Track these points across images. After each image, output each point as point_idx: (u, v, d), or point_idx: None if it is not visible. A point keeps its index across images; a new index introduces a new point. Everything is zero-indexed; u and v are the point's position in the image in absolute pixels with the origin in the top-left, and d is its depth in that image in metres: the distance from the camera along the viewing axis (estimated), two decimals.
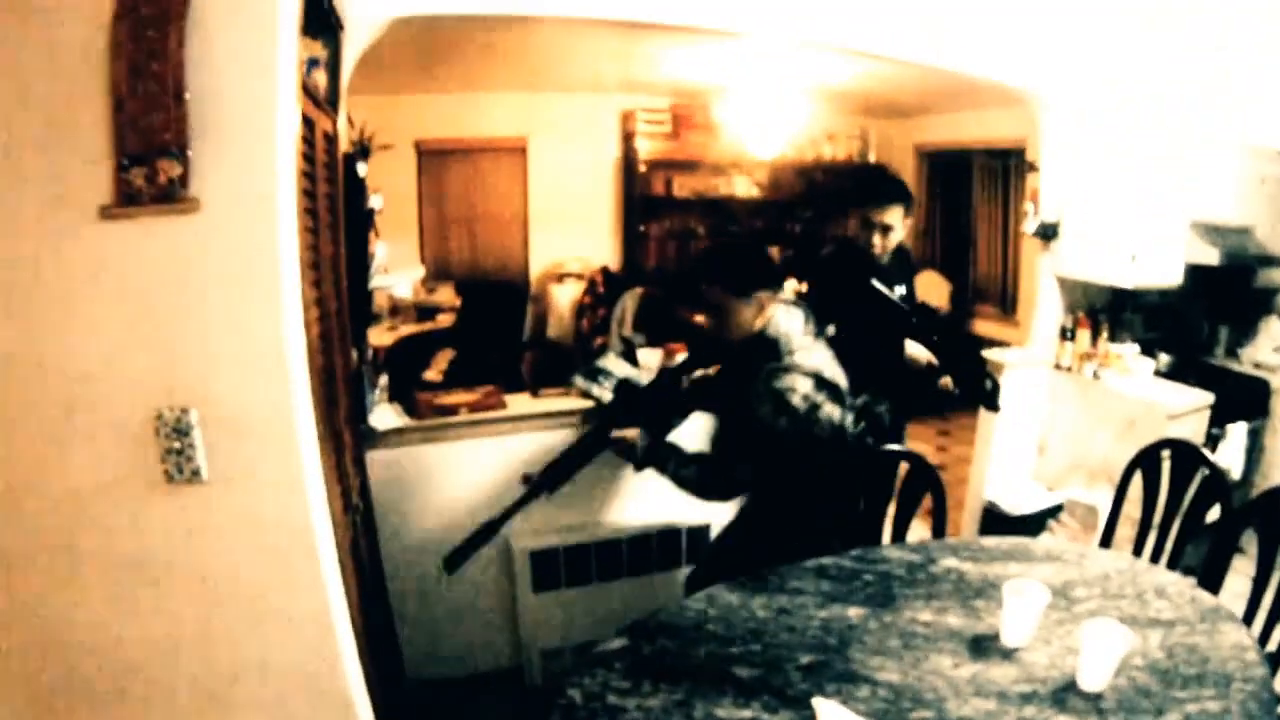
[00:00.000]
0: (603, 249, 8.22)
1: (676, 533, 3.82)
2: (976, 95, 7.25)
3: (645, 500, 3.75)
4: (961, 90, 6.92)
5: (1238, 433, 4.90)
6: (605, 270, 7.63)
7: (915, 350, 3.77)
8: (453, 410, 3.55)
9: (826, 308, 3.10)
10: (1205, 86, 4.73)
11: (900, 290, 3.73)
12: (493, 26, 4.69)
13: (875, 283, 3.50)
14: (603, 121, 8.10)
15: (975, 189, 8.47)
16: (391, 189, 6.19)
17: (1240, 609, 2.60)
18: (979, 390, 3.67)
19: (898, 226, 3.60)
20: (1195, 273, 4.83)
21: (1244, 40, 4.77)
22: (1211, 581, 2.81)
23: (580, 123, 7.96)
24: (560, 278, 7.75)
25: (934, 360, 3.70)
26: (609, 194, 8.28)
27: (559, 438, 3.52)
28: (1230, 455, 4.84)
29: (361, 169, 3.37)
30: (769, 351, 2.75)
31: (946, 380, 3.71)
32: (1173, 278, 4.75)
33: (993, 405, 3.76)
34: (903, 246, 3.84)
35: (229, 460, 1.93)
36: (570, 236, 8.05)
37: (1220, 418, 4.77)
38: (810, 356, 2.75)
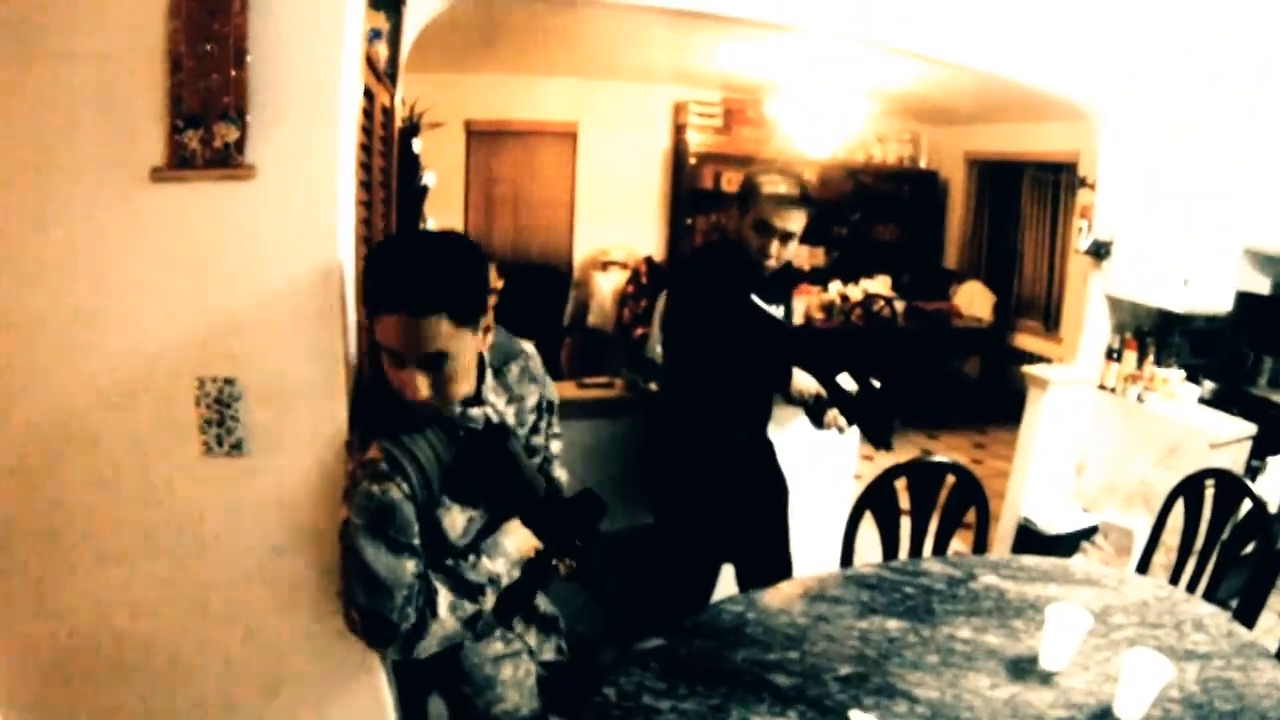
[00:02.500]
0: (648, 239, 8.23)
1: None
2: (1031, 107, 7.21)
3: None
4: (1016, 101, 6.88)
5: (1278, 466, 4.84)
6: (650, 260, 7.64)
7: (802, 382, 3.32)
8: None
9: (688, 319, 3.07)
10: (1265, 110, 4.69)
11: (779, 310, 3.23)
12: (548, 10, 4.71)
13: (755, 299, 3.10)
14: (654, 111, 8.11)
15: (1024, 201, 8.43)
16: (440, 168, 6.20)
17: (1273, 646, 2.60)
18: (870, 428, 3.35)
19: (798, 234, 3.07)
20: (1244, 300, 4.80)
21: None
22: (1247, 616, 2.80)
23: (631, 111, 7.98)
24: (604, 265, 7.78)
25: (822, 392, 3.30)
26: (657, 185, 8.29)
27: (602, 428, 3.55)
28: (1270, 488, 4.77)
29: (416, 145, 3.37)
30: None
31: (834, 416, 3.30)
32: (1223, 304, 4.73)
33: (880, 442, 3.36)
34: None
35: (271, 435, 1.91)
36: (616, 225, 8.08)
37: (1261, 450, 4.72)
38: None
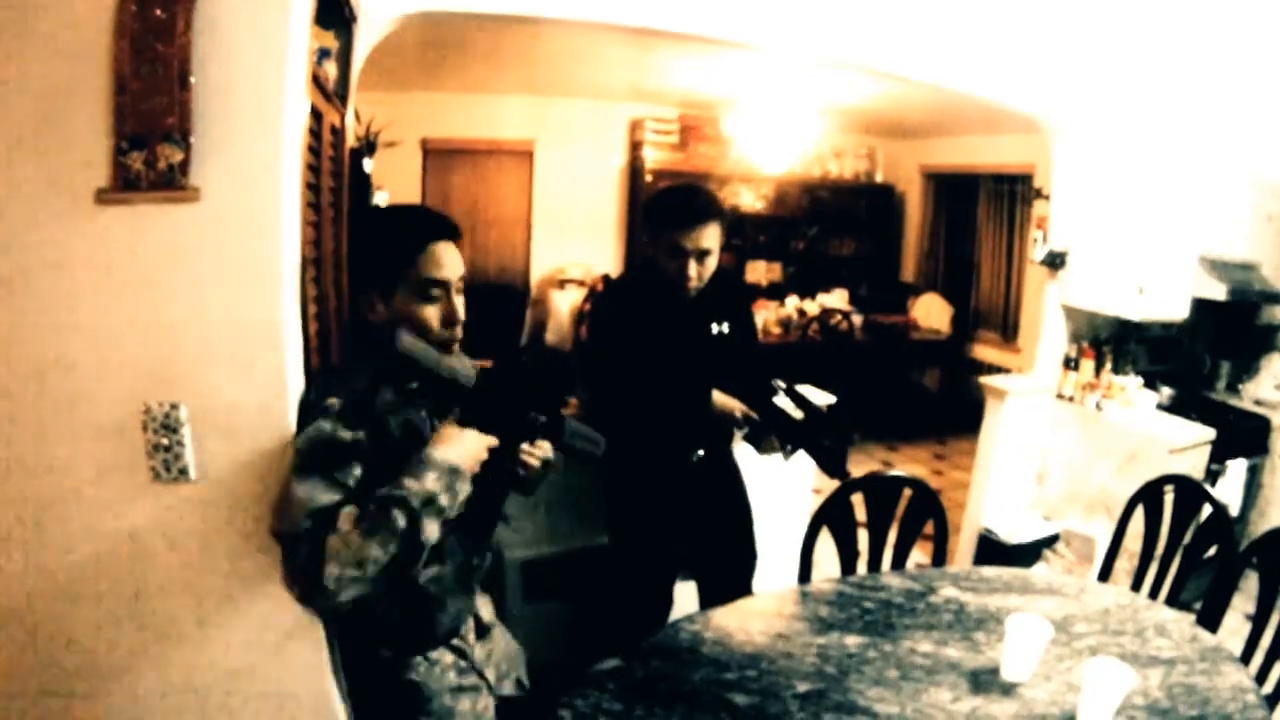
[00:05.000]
0: (605, 257, 8.18)
1: None
2: (987, 120, 7.27)
3: None
4: (972, 114, 6.93)
5: (1237, 469, 4.89)
6: (607, 278, 7.60)
7: (724, 401, 2.99)
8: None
9: (598, 348, 3.04)
10: (1217, 121, 4.75)
11: (724, 327, 3.06)
12: (503, 28, 4.68)
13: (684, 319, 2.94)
14: (610, 129, 8.08)
15: (981, 213, 8.49)
16: (396, 187, 6.16)
17: (1238, 647, 2.59)
18: (820, 454, 2.95)
19: (715, 248, 2.85)
20: (1200, 307, 4.83)
21: (1257, 76, 4.79)
22: (1211, 619, 2.79)
23: (588, 129, 7.94)
24: (561, 284, 7.72)
25: (750, 413, 2.99)
26: (614, 202, 8.26)
27: None
28: (1229, 492, 4.82)
29: (367, 165, 3.34)
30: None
31: (773, 442, 3.02)
32: (1179, 312, 4.75)
33: (835, 470, 2.96)
34: (725, 270, 3.09)
35: (218, 459, 1.86)
36: (573, 243, 8.01)
37: (1220, 454, 4.75)
38: None
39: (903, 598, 2.52)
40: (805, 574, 2.83)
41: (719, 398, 2.97)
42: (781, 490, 4.05)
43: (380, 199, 3.62)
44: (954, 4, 4.06)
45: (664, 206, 2.85)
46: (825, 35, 3.85)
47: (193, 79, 1.72)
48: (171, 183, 1.73)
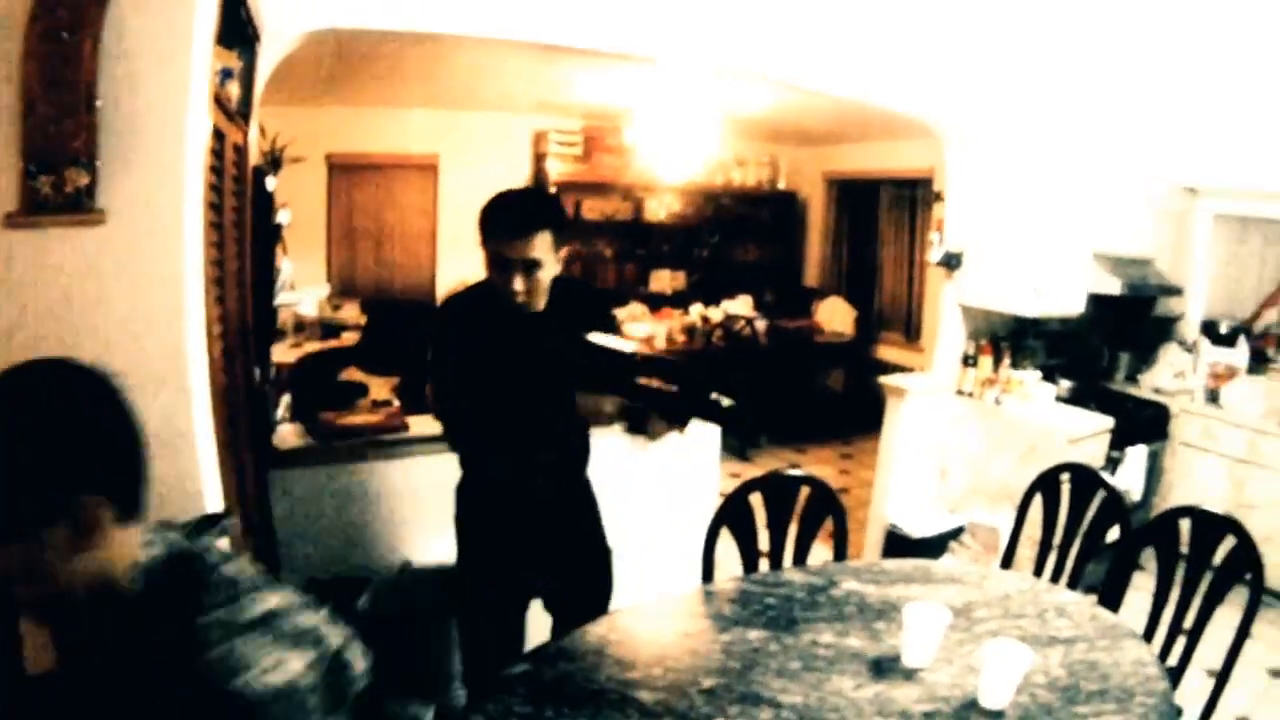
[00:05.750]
0: None
1: None
2: (886, 126, 7.37)
3: None
4: (871, 120, 7.03)
5: (1137, 456, 5.03)
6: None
7: (590, 403, 2.60)
8: (356, 432, 3.45)
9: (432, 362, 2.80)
10: (1110, 121, 4.89)
11: (570, 339, 2.63)
12: (407, 43, 4.63)
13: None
14: (515, 141, 8.04)
15: (882, 217, 8.63)
16: (301, 204, 6.04)
17: (1141, 625, 2.64)
18: (712, 411, 2.50)
19: (548, 259, 2.55)
20: (1097, 301, 4.97)
21: (1149, 77, 4.93)
22: (1112, 600, 2.84)
23: (492, 142, 7.87)
24: None
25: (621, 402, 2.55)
26: None
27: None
28: (1130, 477, 4.95)
29: (270, 183, 3.28)
30: None
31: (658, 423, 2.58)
32: (1075, 307, 4.89)
33: (736, 425, 2.91)
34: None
35: None
36: (479, 257, 7.84)
37: (1120, 441, 4.88)
38: None
39: (805, 592, 2.52)
40: (708, 574, 2.81)
41: (584, 402, 2.62)
42: (685, 492, 4.06)
43: (283, 217, 3.55)
44: (847, 14, 4.11)
45: (489, 215, 2.57)
46: (724, 46, 3.88)
47: (99, 103, 1.74)
48: (79, 206, 1.75)
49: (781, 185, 9.26)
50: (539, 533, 2.80)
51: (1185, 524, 2.83)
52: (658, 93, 6.16)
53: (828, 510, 2.96)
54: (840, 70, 4.24)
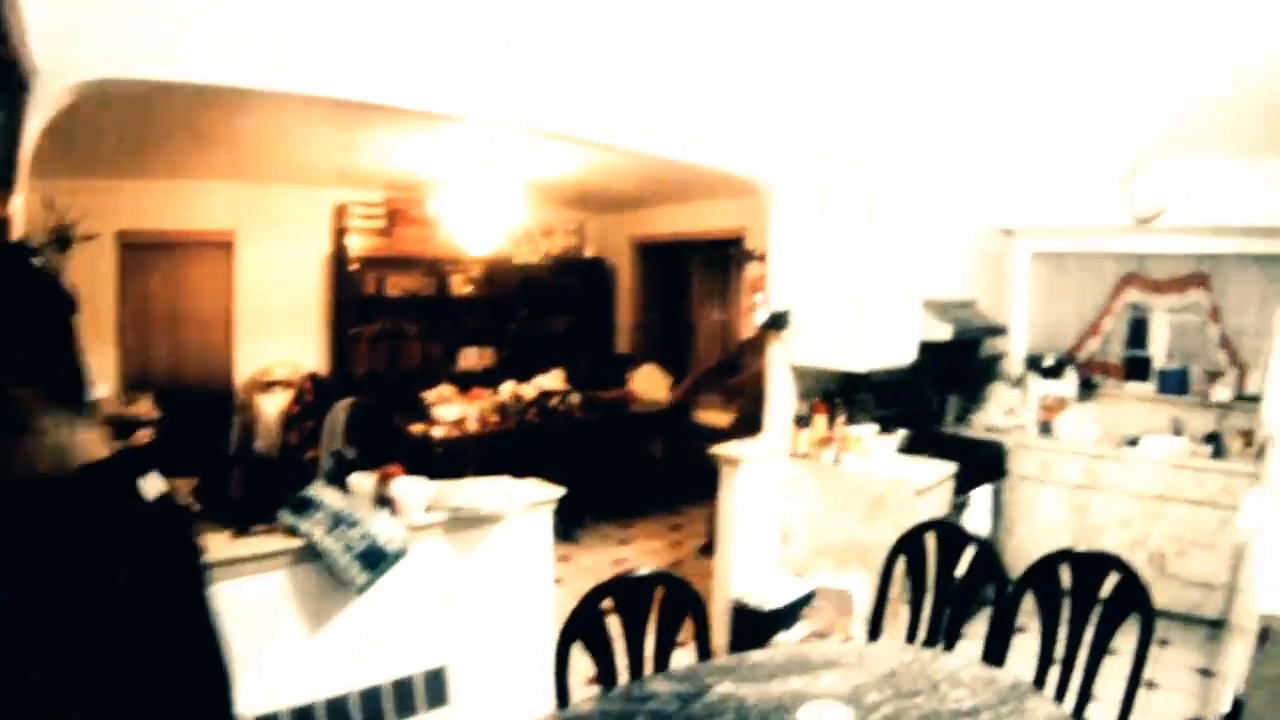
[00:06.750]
0: (312, 354, 7.62)
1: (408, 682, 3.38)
2: (695, 187, 7.38)
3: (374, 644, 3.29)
4: (681, 182, 7.01)
5: (982, 497, 5.04)
6: (314, 377, 7.04)
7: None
8: None
9: None
10: (929, 170, 4.99)
11: None
12: (198, 106, 4.25)
13: None
14: (314, 216, 7.60)
15: (694, 279, 8.62)
16: (90, 285, 5.49)
17: (1030, 673, 2.59)
18: None
19: None
20: (924, 348, 4.95)
21: (963, 128, 5.04)
22: (997, 654, 2.76)
23: (291, 217, 7.43)
24: (267, 386, 7.06)
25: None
26: (318, 294, 7.72)
27: (272, 584, 3.02)
28: (978, 519, 4.93)
29: (38, 260, 2.79)
30: None
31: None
32: (909, 357, 4.86)
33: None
34: None
35: None
36: (278, 340, 7.39)
37: (964, 485, 4.85)
38: None
39: (675, 704, 2.21)
40: (563, 698, 2.47)
41: None
42: (519, 587, 3.77)
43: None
44: (664, 74, 3.97)
45: None
46: (533, 105, 3.62)
47: None
48: None
49: (589, 253, 9.17)
50: None
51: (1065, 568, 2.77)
52: (463, 158, 5.92)
53: (687, 606, 2.67)
54: (660, 130, 4.05)
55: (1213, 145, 5.12)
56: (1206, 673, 4.48)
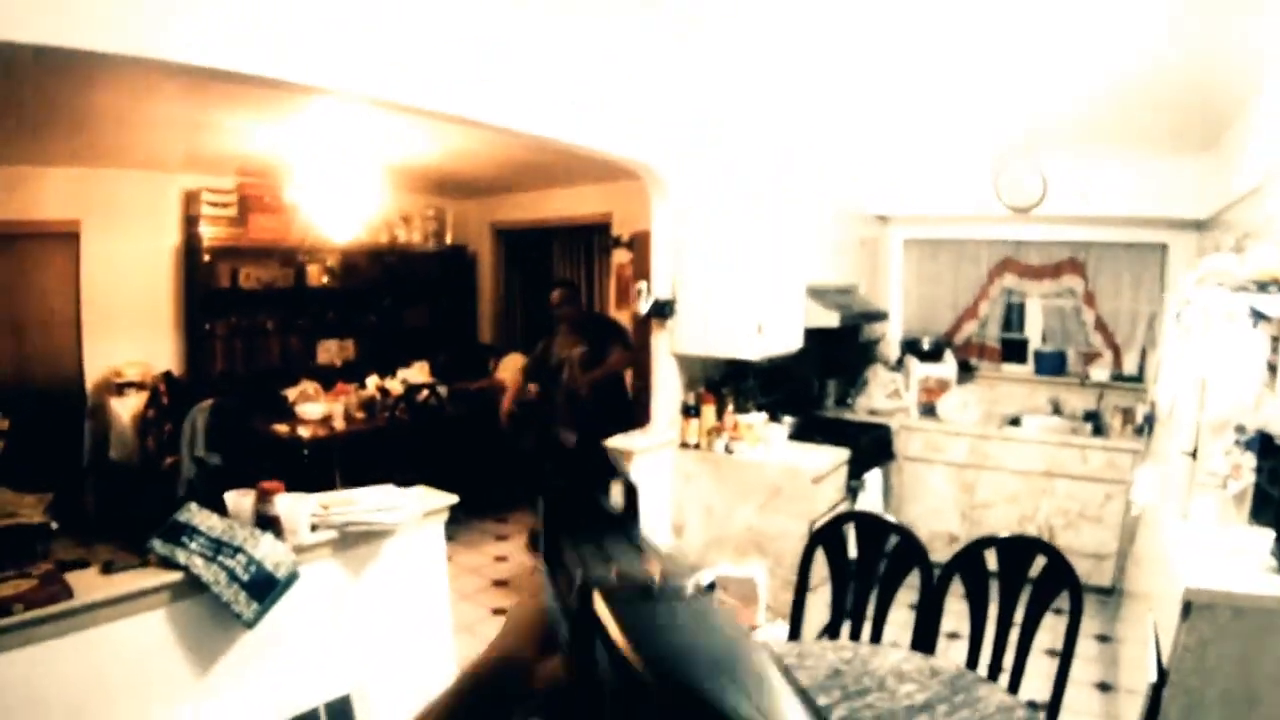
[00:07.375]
0: (164, 352, 7.11)
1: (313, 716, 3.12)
2: (559, 173, 7.28)
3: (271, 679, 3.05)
4: (545, 167, 6.92)
5: (874, 480, 5.17)
6: (169, 376, 6.64)
7: None
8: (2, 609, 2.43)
9: None
10: (808, 158, 5.03)
11: None
12: (35, 77, 3.95)
13: None
14: (163, 204, 7.08)
15: (557, 266, 8.56)
16: None
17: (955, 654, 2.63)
18: None
19: None
20: (810, 335, 5.05)
21: (840, 117, 5.12)
22: (925, 643, 2.82)
23: (139, 205, 6.91)
24: (119, 388, 6.60)
25: None
26: (168, 287, 7.21)
27: (149, 624, 2.73)
28: (872, 501, 5.06)
29: None
30: None
31: None
32: (796, 344, 4.95)
33: None
34: None
35: None
36: (128, 338, 6.89)
37: (857, 469, 4.96)
38: None
39: None
40: None
41: None
42: (415, 602, 3.63)
43: None
44: (546, 51, 3.87)
45: None
46: (400, 79, 3.35)
47: None
48: None
49: (449, 239, 8.96)
50: None
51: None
52: (318, 139, 5.65)
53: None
54: (540, 110, 3.90)
55: (1085, 139, 5.37)
56: (1104, 638, 4.75)
